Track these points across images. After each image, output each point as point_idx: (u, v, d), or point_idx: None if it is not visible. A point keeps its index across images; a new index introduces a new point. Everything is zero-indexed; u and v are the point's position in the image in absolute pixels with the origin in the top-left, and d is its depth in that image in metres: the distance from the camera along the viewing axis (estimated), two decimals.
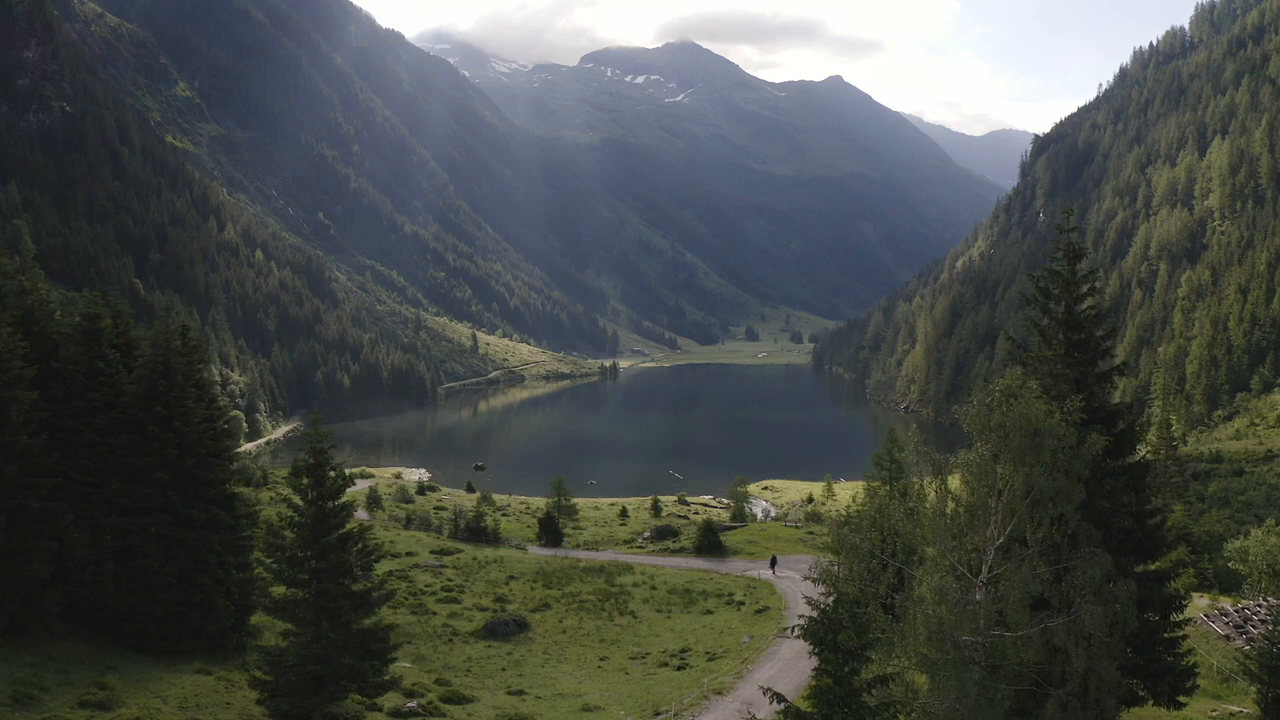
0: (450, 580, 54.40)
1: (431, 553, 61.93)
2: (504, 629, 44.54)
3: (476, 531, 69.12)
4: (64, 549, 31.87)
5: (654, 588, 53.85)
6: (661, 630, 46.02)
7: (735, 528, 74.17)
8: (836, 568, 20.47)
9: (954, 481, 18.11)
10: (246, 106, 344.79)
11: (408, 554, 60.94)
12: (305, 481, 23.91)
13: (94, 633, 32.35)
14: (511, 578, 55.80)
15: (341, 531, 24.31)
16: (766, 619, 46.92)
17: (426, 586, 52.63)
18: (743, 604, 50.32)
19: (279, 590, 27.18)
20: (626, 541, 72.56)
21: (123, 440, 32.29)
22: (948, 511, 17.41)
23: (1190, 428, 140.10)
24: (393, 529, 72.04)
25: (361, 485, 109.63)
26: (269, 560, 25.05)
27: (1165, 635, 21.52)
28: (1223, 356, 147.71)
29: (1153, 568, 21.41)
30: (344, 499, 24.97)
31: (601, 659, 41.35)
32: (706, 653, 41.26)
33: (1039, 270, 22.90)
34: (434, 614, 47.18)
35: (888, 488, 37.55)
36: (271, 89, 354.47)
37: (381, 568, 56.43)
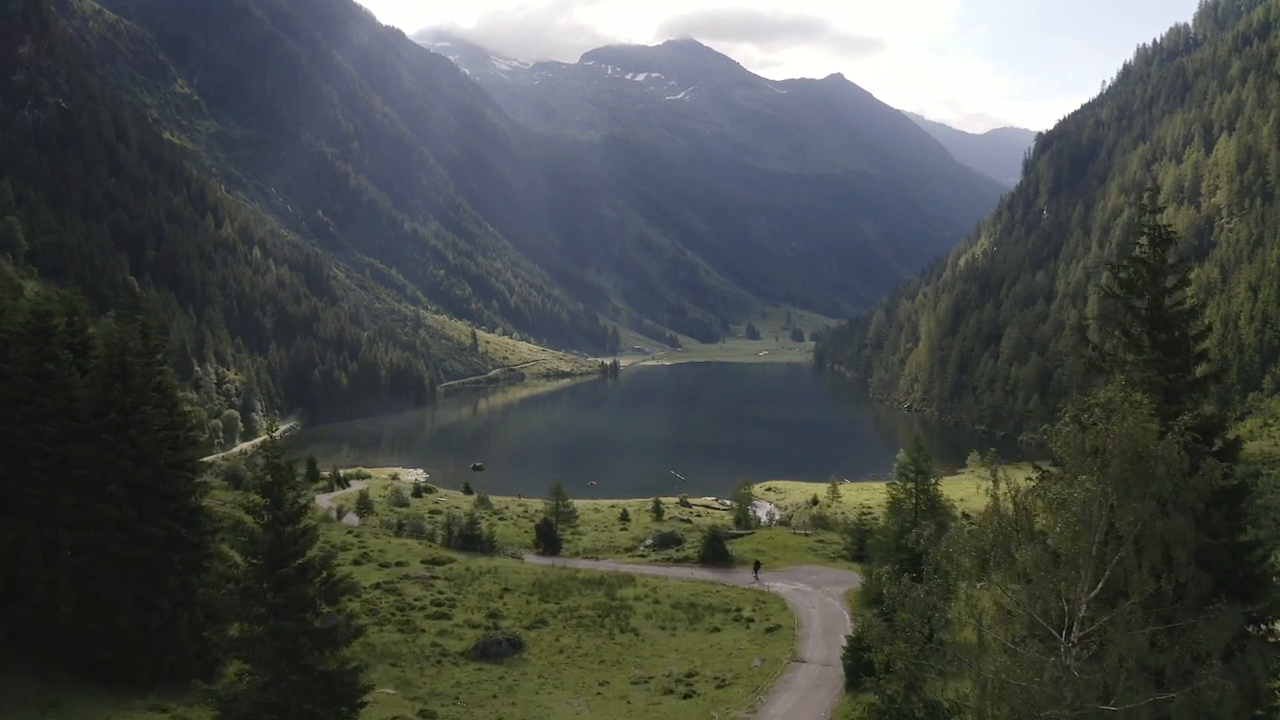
0: (441, 593, 51.41)
1: (423, 562, 58.99)
2: (496, 649, 41.60)
3: (470, 539, 66.14)
4: (12, 569, 29.14)
5: (657, 601, 50.81)
6: (665, 650, 42.99)
7: (741, 535, 71.17)
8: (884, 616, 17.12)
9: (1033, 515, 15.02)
10: (246, 104, 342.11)
11: (397, 564, 57.97)
12: (261, 502, 21.06)
13: (45, 662, 29.50)
14: (506, 590, 52.83)
15: (302, 560, 21.42)
16: (778, 639, 43.82)
17: (416, 600, 49.66)
18: (752, 621, 47.20)
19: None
20: (628, 549, 69.58)
21: (75, 450, 29.47)
22: (1031, 556, 14.36)
23: None
24: (383, 536, 69.08)
25: (356, 487, 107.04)
26: (220, 593, 22.22)
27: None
28: (1233, 356, 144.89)
29: (1247, 610, 18.42)
30: (306, 522, 22.08)
31: (601, 684, 38.32)
32: (715, 678, 38.17)
33: (1119, 259, 19.95)
34: (422, 631, 44.19)
35: (919, 503, 34.72)
36: (271, 86, 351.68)
37: (369, 579, 53.70)
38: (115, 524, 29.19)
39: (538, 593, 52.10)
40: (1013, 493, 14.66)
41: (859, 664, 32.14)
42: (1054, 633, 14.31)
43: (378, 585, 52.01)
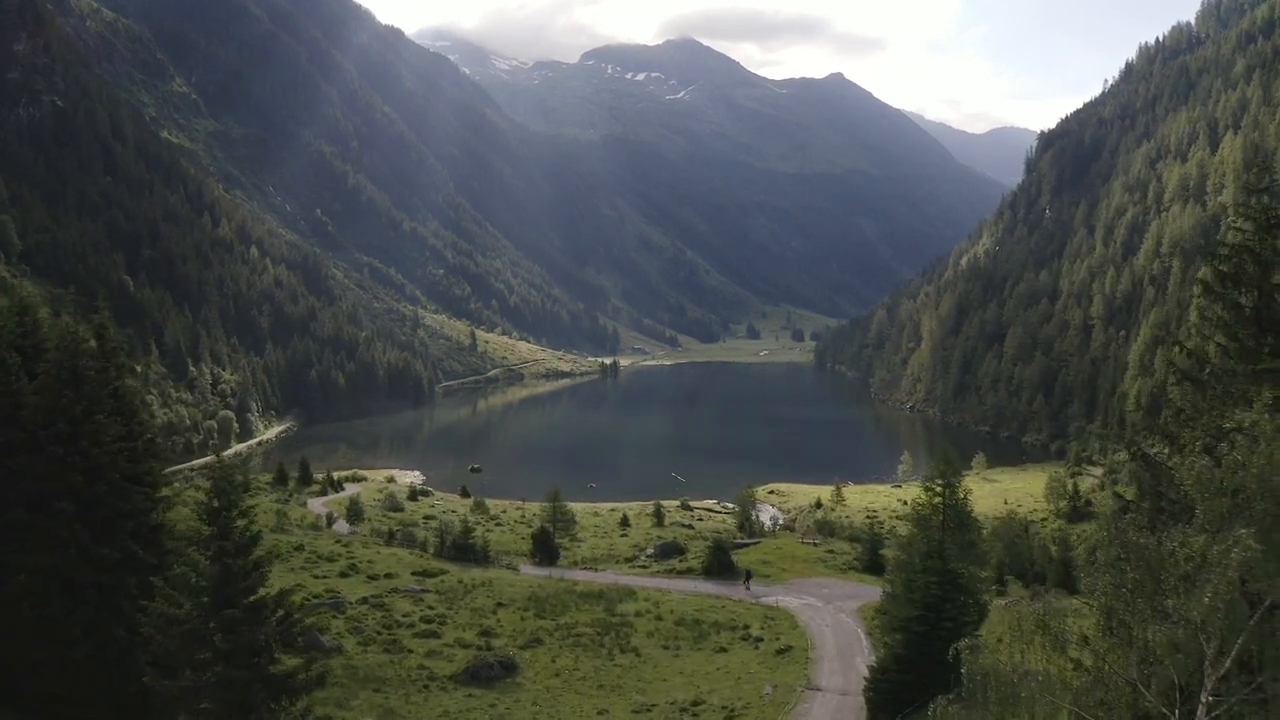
0: (431, 609, 48.61)
1: (413, 574, 56.27)
2: (488, 672, 38.93)
3: (464, 549, 63.42)
4: None
5: (659, 618, 48.04)
6: (669, 673, 40.23)
7: (747, 545, 68.43)
8: None
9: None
10: (245, 103, 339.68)
11: (386, 575, 55.25)
12: (207, 531, 18.42)
13: None
14: (500, 605, 50.09)
15: (254, 599, 18.78)
16: (790, 662, 41.04)
17: (404, 617, 46.87)
18: (761, 640, 44.36)
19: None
20: (628, 559, 66.82)
21: (22, 462, 26.84)
22: (1165, 636, 11.45)
23: None
24: (373, 545, 66.33)
25: (351, 490, 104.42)
26: (160, 637, 19.57)
27: None
28: None
29: None
30: (258, 553, 19.45)
31: (600, 712, 35.56)
32: (723, 707, 35.37)
33: (1217, 248, 17.19)
34: (409, 652, 41.44)
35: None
36: (271, 86, 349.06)
37: (356, 593, 51.10)
38: (65, 543, 26.58)
39: (533, 608, 49.40)
40: (1143, 557, 11.63)
41: (882, 697, 29.62)
42: (1169, 715, 11.48)
43: (364, 600, 49.34)
